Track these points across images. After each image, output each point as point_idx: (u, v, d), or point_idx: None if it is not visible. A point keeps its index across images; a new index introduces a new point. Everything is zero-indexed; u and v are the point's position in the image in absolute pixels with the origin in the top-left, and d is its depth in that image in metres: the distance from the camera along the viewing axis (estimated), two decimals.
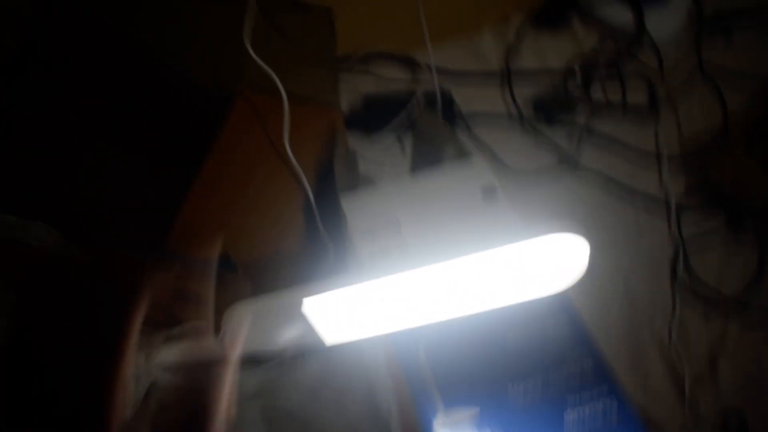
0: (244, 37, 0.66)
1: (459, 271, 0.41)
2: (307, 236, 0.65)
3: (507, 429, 0.47)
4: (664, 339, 0.69)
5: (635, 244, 0.76)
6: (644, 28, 0.93)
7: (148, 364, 0.40)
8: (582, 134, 0.87)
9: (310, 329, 0.43)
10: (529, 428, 0.48)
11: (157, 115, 0.83)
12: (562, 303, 0.55)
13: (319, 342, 0.45)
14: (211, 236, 0.59)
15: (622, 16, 0.95)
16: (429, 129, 0.68)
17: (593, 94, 0.91)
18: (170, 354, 0.41)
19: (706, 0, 0.97)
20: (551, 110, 0.89)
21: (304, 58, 0.70)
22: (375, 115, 0.89)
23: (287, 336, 0.43)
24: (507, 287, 0.44)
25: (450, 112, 0.88)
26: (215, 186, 0.63)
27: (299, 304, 0.41)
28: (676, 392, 0.65)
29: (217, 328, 0.41)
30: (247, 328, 0.41)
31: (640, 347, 0.68)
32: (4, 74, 0.76)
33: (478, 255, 0.40)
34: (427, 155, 0.67)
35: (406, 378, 0.51)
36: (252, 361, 0.71)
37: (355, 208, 0.61)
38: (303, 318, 0.42)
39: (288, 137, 0.67)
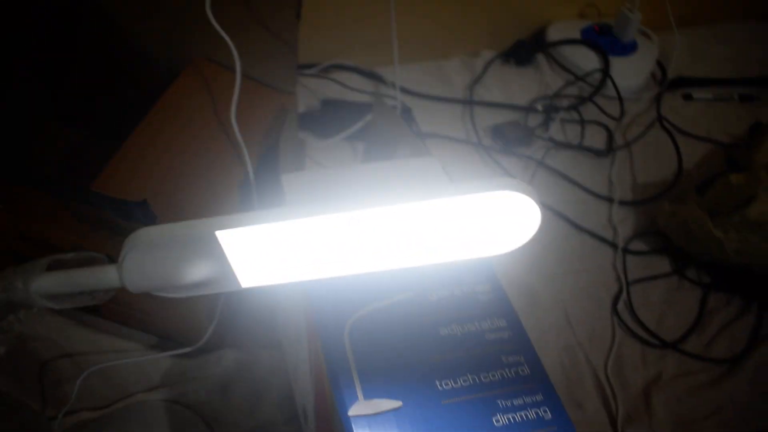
0: (206, 3, 0.63)
1: (394, 221, 0.38)
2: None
3: (430, 428, 0.43)
4: (600, 372, 0.66)
5: (578, 275, 0.74)
6: (608, 76, 0.94)
7: (26, 288, 0.35)
8: (537, 168, 0.86)
9: (225, 267, 0.38)
10: (455, 430, 0.43)
11: (102, 85, 0.78)
12: (502, 306, 0.52)
13: (234, 283, 0.40)
14: (137, 186, 0.54)
15: (588, 63, 0.97)
16: (387, 125, 0.65)
17: (552, 132, 0.90)
18: (55, 280, 0.35)
19: (668, 65, 1.00)
20: (509, 141, 0.88)
21: (266, 36, 0.67)
22: (331, 120, 0.86)
23: (198, 273, 0.38)
24: (445, 242, 0.41)
25: (409, 125, 0.86)
26: (149, 142, 0.58)
27: (213, 237, 0.36)
28: (608, 426, 0.62)
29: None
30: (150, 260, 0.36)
31: (575, 377, 0.65)
32: None
33: (415, 205, 0.37)
34: (382, 149, 0.64)
35: (327, 362, 0.46)
36: (160, 347, 0.65)
37: (297, 187, 0.57)
38: (217, 254, 0.37)
39: (235, 111, 0.63)
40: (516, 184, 0.36)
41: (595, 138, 0.91)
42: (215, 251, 0.37)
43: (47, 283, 0.35)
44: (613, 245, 0.78)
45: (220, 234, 0.36)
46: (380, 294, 0.49)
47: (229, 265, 0.38)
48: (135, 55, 0.75)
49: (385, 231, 0.40)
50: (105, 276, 0.36)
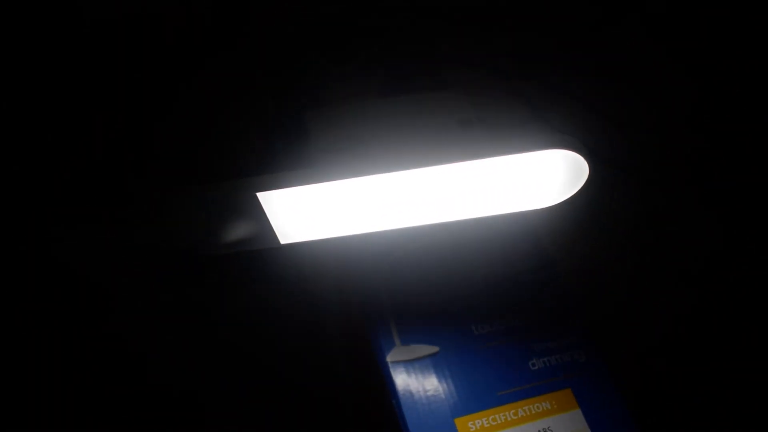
0: None
1: (438, 177, 0.37)
2: (262, 153, 0.59)
3: (467, 372, 0.43)
4: None
5: (599, 204, 0.73)
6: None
7: None
8: (558, 93, 0.83)
9: (263, 224, 0.37)
10: (491, 373, 0.44)
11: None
12: (536, 248, 0.51)
13: (273, 239, 0.39)
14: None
15: None
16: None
17: (574, 57, 0.87)
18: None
19: None
20: (530, 65, 0.85)
21: None
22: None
23: (235, 231, 0.37)
24: (485, 196, 0.40)
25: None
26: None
27: (252, 197, 0.35)
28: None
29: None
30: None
31: None
32: None
33: (463, 164, 0.36)
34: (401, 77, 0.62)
35: (362, 304, 0.46)
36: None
37: (321, 124, 0.56)
38: (256, 212, 0.36)
39: None
40: (570, 141, 0.34)
41: (619, 61, 0.87)
42: (254, 211, 0.36)
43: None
44: (635, 172, 0.76)
45: (261, 195, 0.35)
46: (415, 235, 0.48)
47: (268, 224, 0.37)
48: None
49: (427, 186, 0.38)
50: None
